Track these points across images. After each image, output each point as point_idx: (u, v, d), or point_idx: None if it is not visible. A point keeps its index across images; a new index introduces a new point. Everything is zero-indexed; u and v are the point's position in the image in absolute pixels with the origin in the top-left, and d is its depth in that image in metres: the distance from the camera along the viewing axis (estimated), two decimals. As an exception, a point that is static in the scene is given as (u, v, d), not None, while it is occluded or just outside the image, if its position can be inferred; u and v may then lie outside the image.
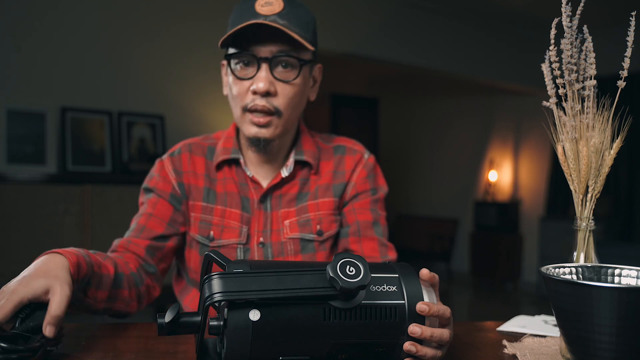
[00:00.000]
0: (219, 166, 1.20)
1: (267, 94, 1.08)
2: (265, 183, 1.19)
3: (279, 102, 1.09)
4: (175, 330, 0.75)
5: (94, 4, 3.55)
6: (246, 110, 1.10)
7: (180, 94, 3.80)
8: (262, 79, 1.07)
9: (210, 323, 0.73)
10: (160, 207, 1.15)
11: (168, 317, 0.73)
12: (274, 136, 1.12)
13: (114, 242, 1.13)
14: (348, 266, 0.73)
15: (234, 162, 1.20)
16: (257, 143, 1.13)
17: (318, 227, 1.18)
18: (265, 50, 1.08)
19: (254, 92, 1.08)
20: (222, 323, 0.73)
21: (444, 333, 0.77)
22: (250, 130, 1.11)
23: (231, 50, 1.12)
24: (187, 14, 3.78)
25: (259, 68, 1.08)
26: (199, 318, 0.75)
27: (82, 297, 0.95)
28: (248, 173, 1.18)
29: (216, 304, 0.74)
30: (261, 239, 1.17)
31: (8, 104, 3.22)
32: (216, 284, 0.71)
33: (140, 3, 3.71)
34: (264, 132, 1.11)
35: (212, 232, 1.16)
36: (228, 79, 1.15)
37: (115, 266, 1.02)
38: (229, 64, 1.12)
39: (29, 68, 3.34)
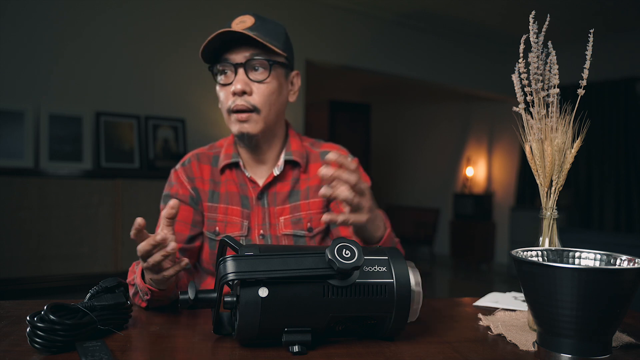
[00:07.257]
0: (223, 170, 1.20)
1: (244, 94, 1.10)
2: (261, 182, 1.19)
3: (255, 100, 1.11)
4: (195, 305, 0.75)
5: (123, 24, 3.54)
6: (230, 111, 1.12)
7: (199, 101, 3.79)
8: (238, 81, 1.10)
9: (225, 299, 0.73)
10: (182, 212, 1.15)
11: (192, 294, 0.73)
12: (256, 131, 1.12)
13: None
14: (344, 250, 0.73)
15: (234, 166, 1.20)
16: (242, 138, 1.14)
17: (309, 224, 1.18)
18: (239, 57, 1.10)
19: (234, 94, 1.10)
20: (235, 299, 0.73)
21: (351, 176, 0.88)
22: (235, 127, 1.13)
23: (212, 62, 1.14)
24: (204, 31, 3.77)
25: (236, 73, 1.11)
26: (215, 295, 0.75)
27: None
28: (247, 174, 1.18)
29: (230, 283, 0.74)
30: (261, 232, 1.17)
31: (50, 109, 3.21)
32: (230, 265, 0.71)
33: (162, 23, 3.70)
34: (247, 127, 1.11)
35: (217, 228, 1.16)
36: (217, 90, 1.16)
37: None
38: (214, 76, 1.14)
39: (68, 78, 3.33)
